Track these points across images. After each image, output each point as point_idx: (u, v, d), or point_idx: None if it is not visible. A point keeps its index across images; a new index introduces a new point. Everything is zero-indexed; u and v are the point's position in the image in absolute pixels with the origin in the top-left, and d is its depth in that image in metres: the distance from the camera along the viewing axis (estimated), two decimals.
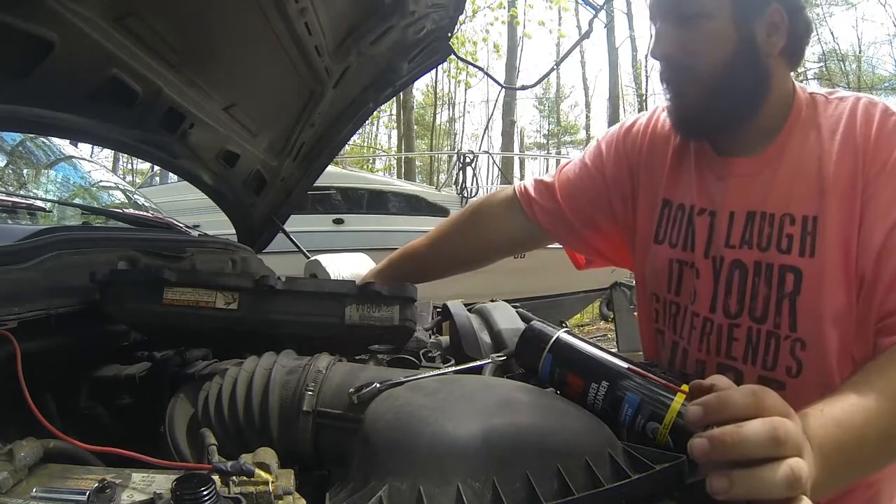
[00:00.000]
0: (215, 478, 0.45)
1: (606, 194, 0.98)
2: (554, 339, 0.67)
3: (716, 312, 0.82)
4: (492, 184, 10.85)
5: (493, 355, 0.76)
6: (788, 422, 0.46)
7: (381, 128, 17.86)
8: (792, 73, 0.82)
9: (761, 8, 0.75)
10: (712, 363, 0.83)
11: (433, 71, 5.33)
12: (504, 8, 10.50)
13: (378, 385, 0.60)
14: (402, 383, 0.60)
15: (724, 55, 0.76)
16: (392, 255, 1.15)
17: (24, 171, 1.50)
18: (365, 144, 16.07)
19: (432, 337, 1.05)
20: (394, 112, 13.51)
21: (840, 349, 0.74)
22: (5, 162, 1.46)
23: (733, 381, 0.52)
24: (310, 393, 0.62)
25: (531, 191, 1.04)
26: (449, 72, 12.14)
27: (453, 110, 18.32)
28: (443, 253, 1.12)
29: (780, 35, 0.76)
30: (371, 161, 12.78)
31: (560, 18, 14.19)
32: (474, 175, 5.68)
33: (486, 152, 7.93)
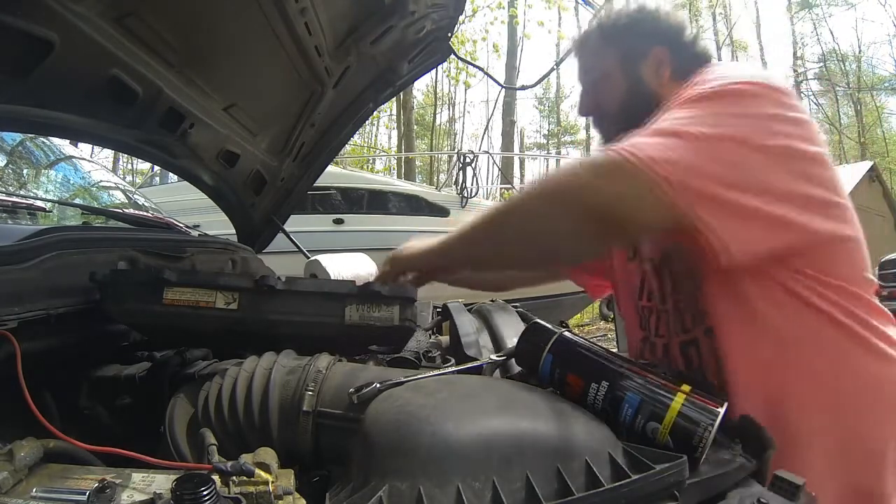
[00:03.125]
0: (215, 478, 0.45)
1: None
2: (554, 339, 0.67)
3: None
4: (492, 184, 10.84)
5: (493, 355, 0.76)
6: (397, 252, 0.94)
7: (381, 128, 17.85)
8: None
9: (644, 53, 0.95)
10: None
11: (433, 71, 5.33)
12: (503, 8, 10.50)
13: (378, 385, 0.60)
14: (402, 383, 0.60)
15: (621, 96, 0.97)
16: None
17: (24, 171, 1.50)
18: (365, 144, 16.06)
19: (432, 337, 1.05)
20: (394, 112, 13.49)
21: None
22: (5, 162, 1.45)
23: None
24: (310, 393, 0.62)
25: None
26: (449, 72, 12.13)
27: (453, 110, 18.34)
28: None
29: (665, 67, 0.94)
30: (371, 161, 12.76)
31: (560, 19, 14.20)
32: (474, 175, 5.68)
33: (486, 152, 7.93)
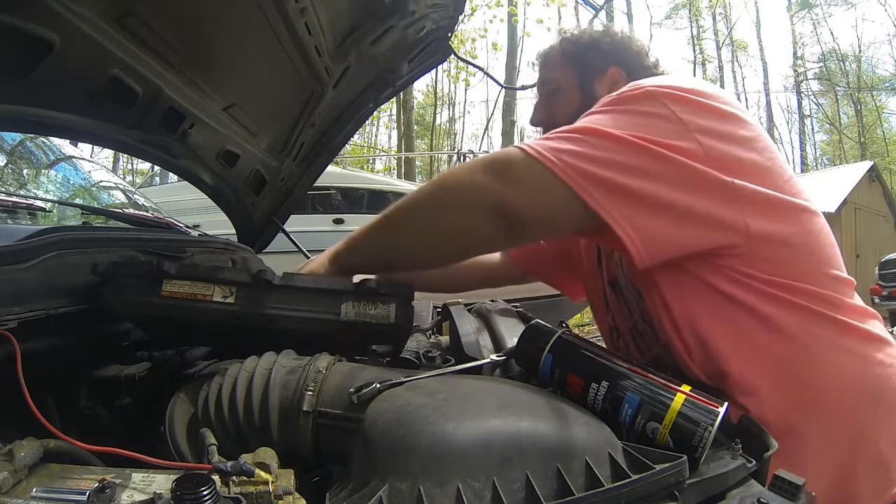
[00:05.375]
0: (215, 478, 0.45)
1: None
2: (554, 339, 0.67)
3: None
4: None
5: (493, 355, 0.76)
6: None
7: (381, 128, 17.86)
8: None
9: (601, 71, 0.99)
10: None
11: (433, 71, 5.33)
12: (503, 6, 10.49)
13: (378, 385, 0.60)
14: (402, 383, 0.60)
15: (573, 110, 0.95)
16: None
17: (24, 171, 1.50)
18: (365, 144, 16.05)
19: (432, 337, 1.05)
20: (394, 112, 13.48)
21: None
22: (5, 162, 1.45)
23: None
24: (310, 393, 0.62)
25: None
26: (449, 72, 12.14)
27: (453, 110, 18.34)
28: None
29: (620, 86, 0.86)
30: (371, 161, 12.76)
31: (560, 18, 14.19)
32: None
33: (487, 152, 7.92)
